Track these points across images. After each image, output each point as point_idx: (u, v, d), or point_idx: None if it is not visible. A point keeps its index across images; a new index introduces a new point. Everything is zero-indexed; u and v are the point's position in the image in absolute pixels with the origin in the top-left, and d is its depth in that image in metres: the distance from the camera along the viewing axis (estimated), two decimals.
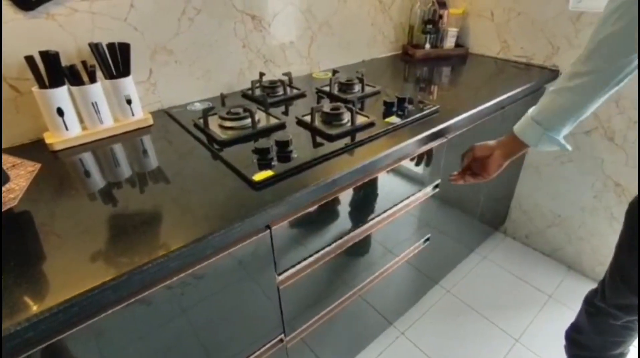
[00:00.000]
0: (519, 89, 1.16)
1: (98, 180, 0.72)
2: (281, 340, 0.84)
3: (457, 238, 1.42)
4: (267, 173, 0.69)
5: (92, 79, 0.81)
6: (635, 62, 0.60)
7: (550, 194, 1.53)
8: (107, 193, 0.68)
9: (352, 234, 0.87)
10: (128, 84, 0.86)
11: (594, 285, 0.99)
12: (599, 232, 1.43)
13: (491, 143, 0.84)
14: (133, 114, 0.90)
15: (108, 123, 0.87)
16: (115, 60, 0.84)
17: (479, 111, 1.03)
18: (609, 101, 1.25)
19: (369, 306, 1.11)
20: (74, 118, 0.82)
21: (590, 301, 0.97)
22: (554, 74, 1.33)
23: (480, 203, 1.41)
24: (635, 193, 1.28)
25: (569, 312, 1.36)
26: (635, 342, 0.97)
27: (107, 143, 0.86)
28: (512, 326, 1.33)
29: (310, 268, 0.80)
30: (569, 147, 0.74)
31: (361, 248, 0.93)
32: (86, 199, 0.66)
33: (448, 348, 1.27)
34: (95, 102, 0.82)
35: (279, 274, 0.75)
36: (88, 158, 0.80)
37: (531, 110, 0.76)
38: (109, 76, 0.84)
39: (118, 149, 0.84)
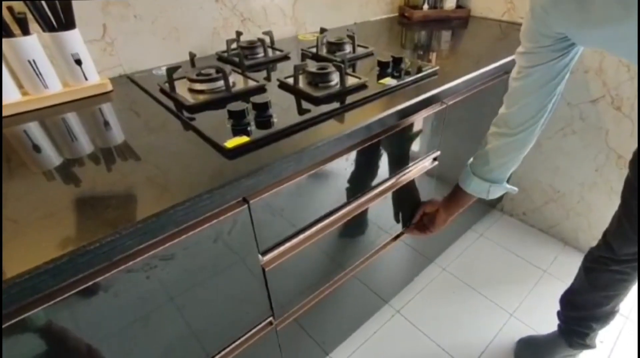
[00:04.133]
0: None
1: (52, 155, 0.61)
2: (270, 323, 0.77)
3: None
4: (242, 139, 0.59)
5: (25, 31, 0.67)
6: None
7: (550, 169, 1.46)
8: (61, 169, 0.57)
9: (342, 210, 0.78)
10: (74, 40, 0.73)
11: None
12: (597, 207, 1.38)
13: (437, 201, 0.95)
14: (86, 78, 0.77)
15: (55, 88, 0.74)
16: (53, 9, 0.69)
17: (480, 73, 0.92)
18: (619, 67, 1.16)
19: (363, 285, 1.04)
20: (8, 80, 0.68)
21: (593, 258, 0.96)
22: None
23: None
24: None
25: (563, 286, 1.32)
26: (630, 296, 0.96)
27: (57, 111, 0.73)
28: (507, 301, 1.32)
29: (297, 247, 0.71)
30: (515, 188, 0.84)
31: (353, 225, 0.84)
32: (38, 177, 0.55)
33: (444, 325, 1.24)
34: (34, 61, 0.69)
35: (263, 253, 0.65)
36: (34, 128, 0.68)
37: (471, 165, 0.83)
38: (48, 28, 0.70)
39: (71, 118, 0.72)
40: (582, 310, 1.01)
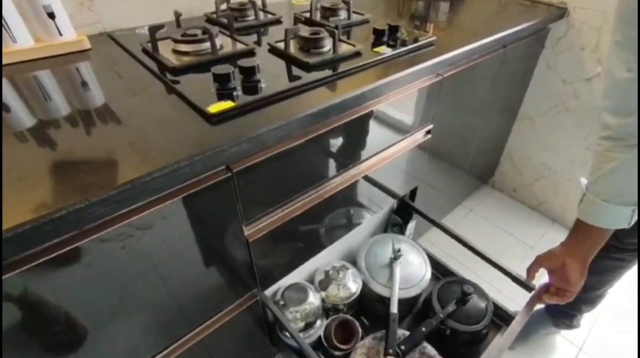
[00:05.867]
0: (522, 27, 1.02)
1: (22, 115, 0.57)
2: (255, 295, 0.77)
3: (443, 192, 1.35)
4: (227, 104, 0.56)
5: None
6: None
7: (542, 146, 1.46)
8: (33, 130, 0.54)
9: (332, 182, 0.76)
10: None
11: None
12: None
13: (556, 250, 0.70)
14: (61, 34, 0.72)
15: (25, 43, 0.69)
16: None
17: (478, 46, 0.89)
18: None
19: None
20: None
21: None
22: (560, 11, 1.19)
23: (471, 154, 1.32)
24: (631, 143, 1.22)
25: None
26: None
27: (28, 68, 0.69)
28: (493, 277, 1.32)
29: (284, 219, 0.70)
30: None
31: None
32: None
33: None
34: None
35: (247, 224, 0.64)
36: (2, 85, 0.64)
37: (597, 193, 0.61)
38: None
39: (45, 76, 0.68)
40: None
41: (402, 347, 0.78)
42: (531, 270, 0.74)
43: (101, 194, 0.41)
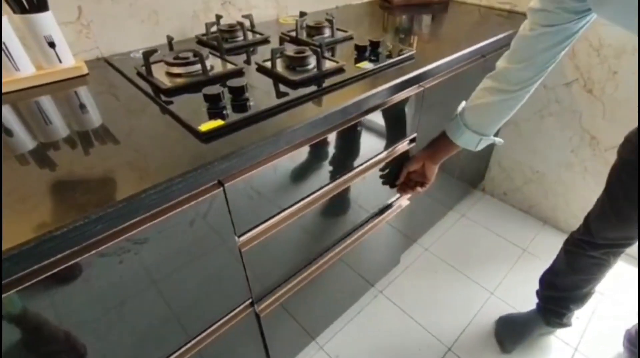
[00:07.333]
0: (500, 36, 1.07)
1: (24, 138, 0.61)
2: (251, 304, 0.79)
3: (435, 197, 1.38)
4: (217, 123, 0.60)
5: None
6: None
7: (529, 150, 1.50)
8: (34, 152, 0.57)
9: (319, 192, 0.80)
10: (47, 22, 0.72)
11: (566, 237, 1.00)
12: (573, 186, 1.43)
13: (419, 155, 0.92)
14: (60, 61, 0.76)
15: (27, 71, 0.73)
16: None
17: (457, 57, 0.94)
18: (590, 51, 1.19)
19: (349, 268, 1.07)
20: None
21: (573, 241, 0.97)
22: None
23: (460, 160, 1.36)
24: (611, 144, 1.27)
25: (542, 264, 1.36)
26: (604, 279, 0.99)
27: (30, 94, 0.73)
28: (487, 280, 1.35)
29: (274, 228, 0.73)
30: (501, 140, 0.85)
31: (331, 206, 0.86)
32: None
33: (426, 305, 1.28)
34: (4, 43, 0.68)
35: (240, 235, 0.67)
36: (5, 112, 0.68)
37: (464, 117, 0.80)
38: (19, 9, 0.69)
39: (45, 101, 0.72)
40: (561, 291, 1.03)
41: None
42: (402, 175, 0.97)
43: (99, 212, 0.44)
